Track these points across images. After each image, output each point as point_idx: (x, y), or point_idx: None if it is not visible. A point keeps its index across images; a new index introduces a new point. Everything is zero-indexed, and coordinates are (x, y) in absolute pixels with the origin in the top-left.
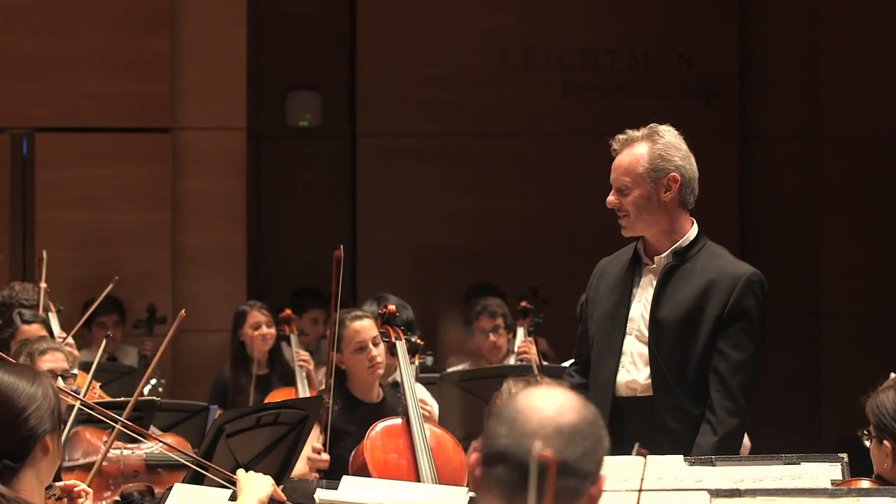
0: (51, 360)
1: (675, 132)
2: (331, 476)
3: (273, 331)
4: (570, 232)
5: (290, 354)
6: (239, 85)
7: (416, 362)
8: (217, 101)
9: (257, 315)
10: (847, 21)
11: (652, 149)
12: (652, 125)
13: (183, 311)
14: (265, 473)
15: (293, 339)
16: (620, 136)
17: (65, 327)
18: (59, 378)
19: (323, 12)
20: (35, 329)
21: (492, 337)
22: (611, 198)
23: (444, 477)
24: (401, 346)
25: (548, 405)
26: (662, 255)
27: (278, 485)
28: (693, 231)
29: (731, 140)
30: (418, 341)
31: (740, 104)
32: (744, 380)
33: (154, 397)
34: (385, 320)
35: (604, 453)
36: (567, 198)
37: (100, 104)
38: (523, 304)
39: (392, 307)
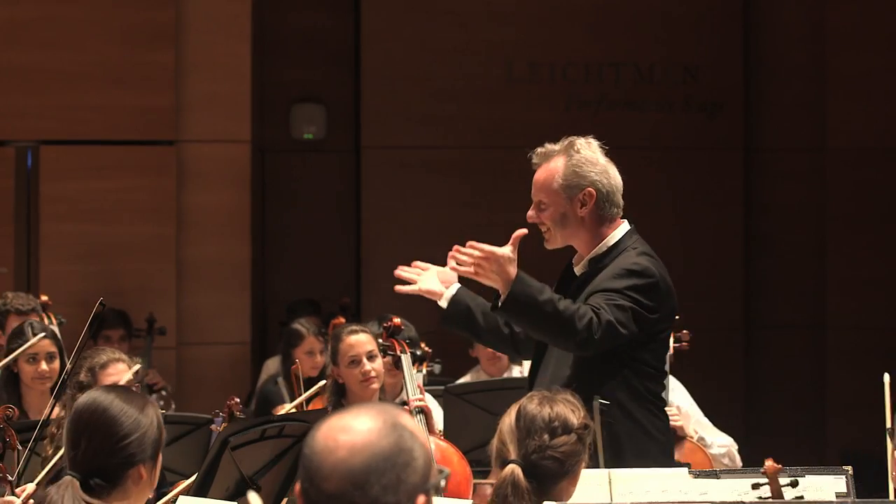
0: (113, 374)
1: (596, 144)
2: None
3: (324, 359)
4: None
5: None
6: (243, 98)
7: (424, 370)
8: (222, 114)
9: (313, 342)
10: (852, 34)
11: (567, 164)
12: (571, 138)
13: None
14: (269, 486)
15: None
16: (539, 150)
17: (67, 339)
18: None
19: (328, 25)
20: (45, 344)
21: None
22: (530, 212)
23: (449, 489)
24: (406, 360)
25: (342, 444)
26: (580, 265)
27: (282, 498)
28: (614, 237)
29: (736, 153)
30: (426, 349)
31: (745, 117)
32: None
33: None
34: (390, 333)
35: (416, 476)
36: None
37: (104, 117)
38: None
39: (397, 320)
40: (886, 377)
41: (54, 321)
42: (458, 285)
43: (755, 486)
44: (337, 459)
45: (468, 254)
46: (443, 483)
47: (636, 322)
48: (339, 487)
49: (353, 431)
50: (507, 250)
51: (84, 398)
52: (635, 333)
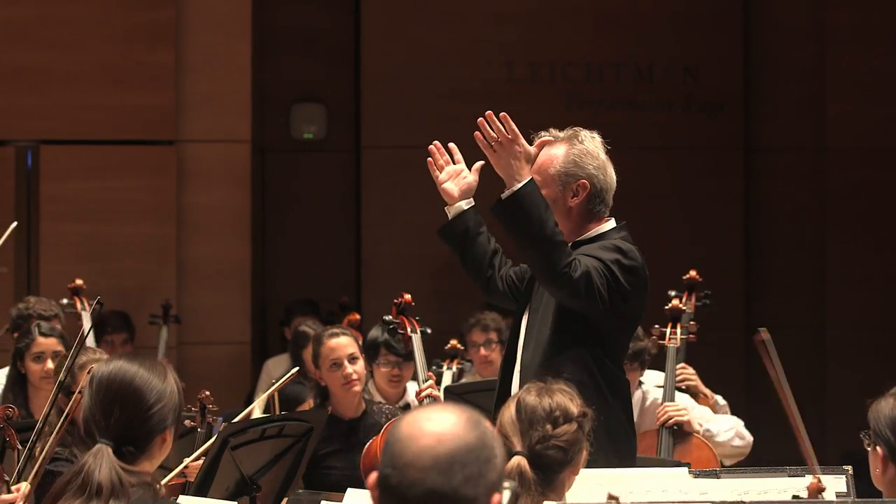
0: None
1: (599, 140)
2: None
3: None
4: None
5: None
6: (243, 97)
7: (455, 367)
8: (222, 114)
9: None
10: (851, 33)
11: (568, 152)
12: (576, 128)
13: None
14: (269, 486)
15: None
16: (543, 134)
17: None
18: None
19: (328, 25)
20: (52, 343)
21: (483, 350)
22: None
23: None
24: (416, 340)
25: (428, 433)
26: None
27: (282, 498)
28: (599, 230)
29: (736, 153)
30: (457, 345)
31: (745, 117)
32: (592, 271)
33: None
34: (400, 310)
35: (495, 474)
36: None
37: (104, 117)
38: None
39: (408, 297)
40: (765, 332)
41: (87, 307)
42: (472, 202)
43: (796, 497)
44: (423, 446)
45: (497, 128)
46: (507, 496)
47: (608, 293)
48: (423, 473)
49: (438, 422)
50: (532, 149)
51: (107, 368)
52: (607, 305)
